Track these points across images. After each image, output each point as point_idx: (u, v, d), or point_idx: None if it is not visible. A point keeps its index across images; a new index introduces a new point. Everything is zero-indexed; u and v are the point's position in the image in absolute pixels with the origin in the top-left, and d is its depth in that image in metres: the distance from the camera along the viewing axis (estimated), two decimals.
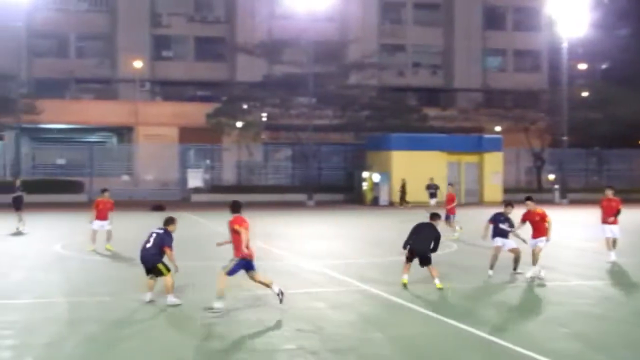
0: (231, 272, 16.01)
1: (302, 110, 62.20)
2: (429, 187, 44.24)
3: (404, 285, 18.47)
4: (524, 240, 20.78)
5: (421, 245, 18.53)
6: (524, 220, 20.94)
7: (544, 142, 70.17)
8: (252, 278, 16.32)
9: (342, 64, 68.34)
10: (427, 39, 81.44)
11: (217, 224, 37.64)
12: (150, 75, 72.78)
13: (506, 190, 61.87)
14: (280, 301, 16.04)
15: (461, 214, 48.50)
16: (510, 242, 20.69)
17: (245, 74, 71.68)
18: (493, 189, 59.89)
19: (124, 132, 71.23)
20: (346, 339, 13.68)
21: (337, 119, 64.98)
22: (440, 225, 19.37)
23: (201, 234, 33.89)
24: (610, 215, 23.86)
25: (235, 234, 16.12)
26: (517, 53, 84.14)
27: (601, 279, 21.04)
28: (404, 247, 18.70)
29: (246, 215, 16.55)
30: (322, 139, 65.22)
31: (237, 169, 66.29)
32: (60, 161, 65.69)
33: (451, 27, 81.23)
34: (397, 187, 55.62)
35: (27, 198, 52.30)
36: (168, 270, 16.55)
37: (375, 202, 56.83)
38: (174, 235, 17.27)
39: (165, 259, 16.67)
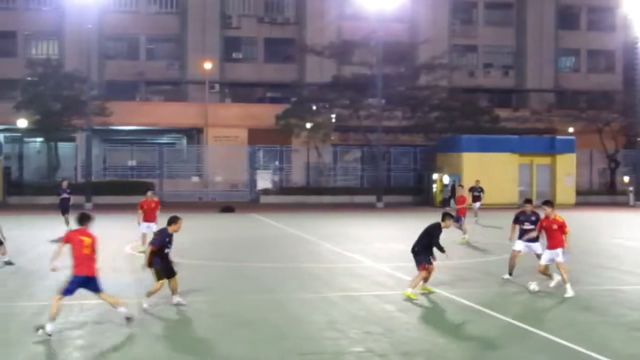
0: (66, 292, 14.13)
1: (372, 111, 61.95)
2: (472, 189, 41.54)
3: (428, 292, 18.06)
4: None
5: (414, 245, 17.99)
6: (539, 228, 18.84)
7: (618, 144, 68.90)
8: (99, 297, 14.95)
9: (412, 65, 67.91)
10: (499, 39, 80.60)
11: (285, 225, 37.64)
12: (220, 77, 73.11)
13: (579, 192, 61.04)
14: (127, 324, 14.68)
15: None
16: (538, 247, 19.51)
17: (314, 75, 71.67)
18: (566, 191, 58.95)
19: (193, 134, 71.68)
20: (416, 342, 13.52)
21: (406, 120, 64.60)
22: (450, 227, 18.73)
23: (270, 235, 33.84)
24: None
25: (83, 248, 14.59)
26: (591, 53, 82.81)
27: None
28: (412, 251, 18.10)
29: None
30: (392, 140, 64.95)
31: (306, 171, 66.25)
32: (131, 163, 66.35)
33: (523, 27, 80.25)
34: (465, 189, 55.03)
35: (98, 200, 53.45)
36: (158, 278, 16.08)
37: (445, 204, 56.31)
38: (181, 235, 17.11)
39: (172, 265, 16.49)
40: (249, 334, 14.06)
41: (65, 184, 35.61)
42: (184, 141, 74.63)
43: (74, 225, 27.32)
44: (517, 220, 19.88)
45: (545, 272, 18.64)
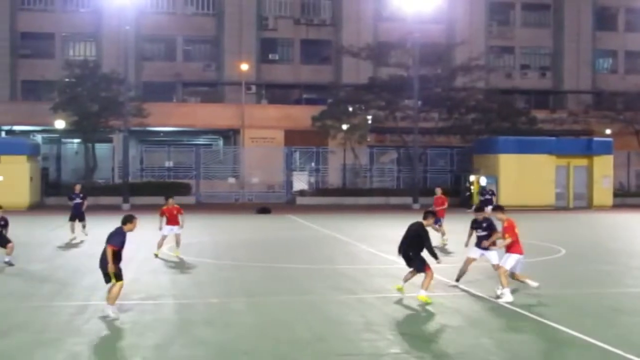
0: None
1: (408, 112, 61.81)
2: (482, 192, 39.31)
3: (398, 289, 17.93)
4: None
5: (401, 248, 17.71)
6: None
7: None
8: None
9: (448, 66, 67.68)
10: (536, 40, 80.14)
11: (321, 226, 37.66)
12: (256, 78, 73.27)
13: (616, 194, 60.55)
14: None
15: (571, 219, 47.61)
16: (493, 256, 18.53)
17: (350, 77, 71.65)
18: (603, 193, 58.48)
19: (230, 135, 71.84)
20: (452, 344, 13.48)
21: (443, 121, 64.34)
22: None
23: (306, 236, 33.87)
24: None
25: None
26: (629, 54, 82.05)
27: None
28: (399, 253, 17.84)
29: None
30: (428, 142, 64.76)
31: (342, 172, 66.18)
32: (168, 163, 66.65)
33: (561, 28, 79.71)
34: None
35: (135, 200, 53.76)
36: (118, 278, 15.46)
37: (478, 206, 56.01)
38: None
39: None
40: (287, 335, 14.08)
41: (78, 188, 33.12)
42: (221, 142, 74.83)
43: (79, 232, 27.60)
44: (472, 227, 19.22)
45: (516, 278, 18.08)
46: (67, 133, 61.80)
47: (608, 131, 67.57)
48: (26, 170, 52.68)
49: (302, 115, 65.32)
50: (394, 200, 60.27)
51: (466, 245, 19.81)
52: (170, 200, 25.58)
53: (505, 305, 16.68)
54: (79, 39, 73.49)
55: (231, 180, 64.61)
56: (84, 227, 31.39)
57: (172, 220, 25.28)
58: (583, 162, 58.51)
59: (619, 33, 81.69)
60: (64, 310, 16.13)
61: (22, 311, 16.06)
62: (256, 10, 73.91)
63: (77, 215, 31.54)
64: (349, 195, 61.11)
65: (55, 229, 34.92)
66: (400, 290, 17.86)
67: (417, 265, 17.44)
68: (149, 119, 58.90)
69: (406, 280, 17.89)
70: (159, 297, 17.96)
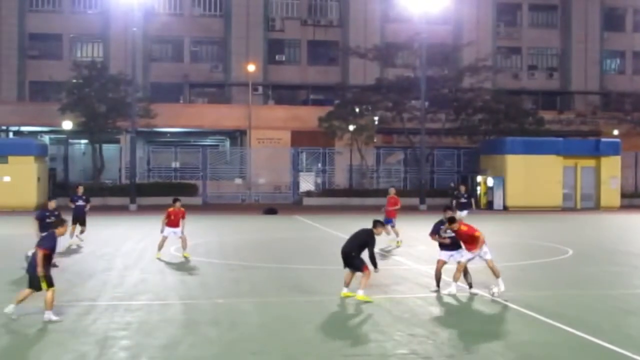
0: None
1: (415, 113, 61.80)
2: (457, 196, 37.25)
3: (345, 296, 17.62)
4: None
5: (345, 247, 17.69)
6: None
7: None
8: None
9: (455, 67, 67.62)
10: (543, 41, 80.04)
11: (328, 227, 37.66)
12: (263, 79, 73.31)
13: (624, 195, 60.44)
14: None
15: (579, 220, 47.55)
16: (462, 254, 18.11)
17: (357, 78, 71.66)
18: (610, 193, 58.38)
19: (236, 136, 71.91)
20: (460, 345, 13.49)
21: (450, 122, 64.31)
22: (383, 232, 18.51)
23: (313, 237, 33.88)
24: None
25: None
26: (637, 55, 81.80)
27: None
28: (346, 255, 17.80)
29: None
30: (435, 142, 64.75)
31: (349, 173, 66.17)
32: (175, 164, 66.74)
33: (568, 28, 79.59)
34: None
35: (142, 201, 53.84)
36: (49, 284, 15.05)
37: (489, 207, 56.00)
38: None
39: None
40: (294, 335, 14.09)
41: (80, 189, 31.26)
42: (227, 143, 74.89)
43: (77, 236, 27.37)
44: (434, 232, 18.94)
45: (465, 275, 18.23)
46: (74, 134, 61.91)
47: (616, 132, 67.47)
48: (34, 171, 52.79)
49: (309, 116, 65.37)
50: (400, 201, 60.10)
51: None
52: (178, 204, 25.41)
53: (513, 306, 16.63)
54: (86, 40, 73.62)
55: (238, 181, 64.66)
56: (82, 232, 29.53)
57: (174, 223, 25.10)
58: (591, 162, 58.40)
59: (626, 33, 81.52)
60: (71, 311, 16.14)
61: (30, 311, 16.07)
62: (263, 11, 73.96)
63: (79, 218, 29.55)
64: (355, 196, 61.08)
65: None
66: (347, 296, 17.55)
67: (356, 264, 17.44)
68: (156, 120, 58.98)
69: (348, 284, 17.75)
70: (166, 297, 17.98)
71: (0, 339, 13.68)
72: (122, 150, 64.72)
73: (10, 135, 67.03)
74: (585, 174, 58.40)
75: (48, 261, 15.24)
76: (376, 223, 17.79)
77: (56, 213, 25.68)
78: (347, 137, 61.69)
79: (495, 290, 17.45)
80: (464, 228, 17.83)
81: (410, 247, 29.06)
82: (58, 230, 15.57)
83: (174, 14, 73.69)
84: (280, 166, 63.63)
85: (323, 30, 75.82)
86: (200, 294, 18.58)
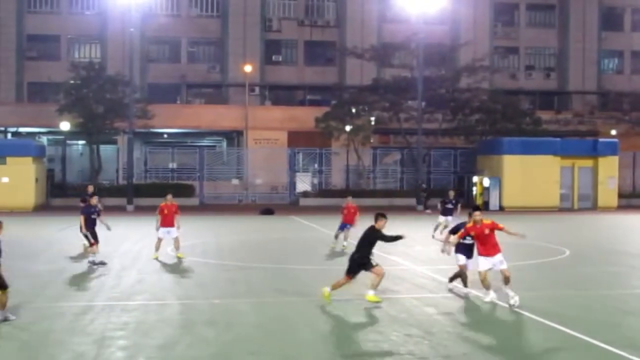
0: None
1: (412, 114, 61.82)
2: (444, 202, 35.42)
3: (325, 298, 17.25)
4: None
5: (357, 253, 17.39)
6: (462, 236, 17.89)
7: None
8: None
9: (452, 67, 67.58)
10: (541, 41, 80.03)
11: (325, 227, 37.68)
12: (260, 80, 73.29)
13: (621, 195, 60.46)
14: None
15: (576, 220, 47.62)
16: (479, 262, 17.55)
17: (354, 78, 71.65)
18: (608, 194, 58.41)
19: (233, 136, 71.91)
20: (456, 345, 13.52)
21: (447, 122, 64.24)
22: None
23: (309, 237, 33.92)
24: None
25: None
26: (635, 54, 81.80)
27: None
28: (358, 262, 17.37)
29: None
30: (432, 142, 64.74)
31: (346, 173, 66.18)
32: (172, 165, 66.75)
33: (566, 28, 79.61)
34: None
35: (139, 202, 53.85)
36: (3, 287, 14.84)
37: (485, 207, 56.00)
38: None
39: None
40: (291, 335, 14.13)
41: (91, 189, 30.34)
42: (224, 144, 74.91)
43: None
44: (455, 231, 18.61)
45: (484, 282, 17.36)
46: (72, 135, 61.89)
47: (613, 132, 67.47)
48: (32, 172, 52.80)
49: (305, 117, 65.37)
50: (397, 201, 60.15)
51: (445, 252, 18.72)
52: (169, 197, 25.58)
53: (501, 303, 16.67)
54: (84, 41, 73.60)
55: (235, 181, 64.65)
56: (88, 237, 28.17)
57: (168, 221, 25.09)
58: (588, 163, 58.40)
59: (625, 33, 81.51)
60: (69, 311, 16.19)
61: (27, 312, 16.11)
62: (260, 11, 73.95)
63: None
64: (352, 197, 60.93)
65: (65, 229, 34.83)
66: (327, 298, 17.20)
67: (367, 266, 17.19)
68: (154, 121, 58.95)
69: (336, 287, 17.33)
70: (163, 297, 18.01)
71: None
72: (119, 151, 64.71)
73: (9, 136, 67.02)
74: (582, 174, 58.42)
75: None
76: (377, 216, 17.58)
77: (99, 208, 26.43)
78: (344, 137, 61.68)
79: (512, 301, 16.62)
80: (488, 222, 17.22)
81: (408, 248, 29.04)
82: None
83: (171, 14, 73.65)
84: (277, 167, 63.65)
85: (320, 31, 75.82)
86: (197, 294, 18.62)
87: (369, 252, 17.39)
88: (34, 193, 52.81)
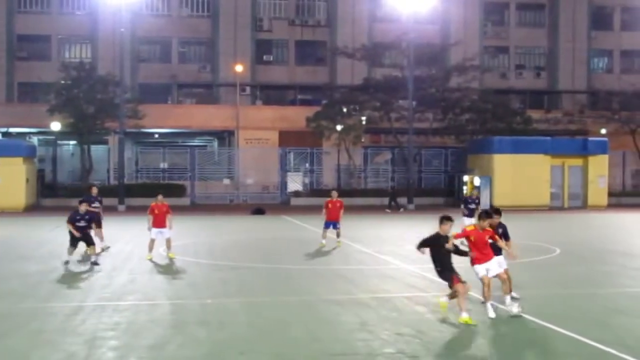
0: None
1: (403, 113, 61.88)
2: (467, 201, 32.72)
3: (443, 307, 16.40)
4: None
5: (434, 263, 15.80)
6: (460, 236, 16.42)
7: None
8: None
9: (443, 67, 67.63)
10: (531, 40, 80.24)
11: (316, 227, 37.69)
12: (251, 80, 73.30)
13: (611, 194, 60.63)
14: None
15: (566, 219, 47.74)
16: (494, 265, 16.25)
17: (345, 77, 71.72)
18: (598, 192, 58.57)
19: (224, 136, 71.91)
20: (447, 344, 13.59)
21: (437, 122, 64.32)
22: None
23: (300, 237, 33.95)
24: None
25: None
26: (625, 53, 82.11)
27: None
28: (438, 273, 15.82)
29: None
30: (423, 142, 64.83)
31: (337, 173, 66.23)
32: (163, 165, 66.73)
33: (556, 28, 79.81)
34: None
35: (131, 202, 53.78)
36: None
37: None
38: None
39: None
40: (282, 335, 14.15)
41: (95, 190, 29.43)
42: (215, 143, 74.91)
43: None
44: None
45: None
46: (63, 135, 61.81)
47: (603, 131, 67.63)
48: (22, 172, 52.73)
49: (296, 116, 65.43)
50: (388, 200, 60.21)
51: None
52: (160, 197, 25.58)
53: (500, 306, 16.62)
54: (75, 41, 73.55)
55: (226, 181, 64.65)
56: (100, 234, 27.45)
57: (160, 221, 25.07)
58: (578, 162, 58.54)
59: (614, 32, 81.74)
60: (60, 311, 16.18)
61: (18, 312, 16.12)
62: (251, 11, 73.97)
63: (96, 221, 27.02)
64: (343, 196, 59.85)
65: (54, 229, 34.84)
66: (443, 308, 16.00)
67: (445, 278, 15.63)
68: (145, 121, 58.88)
69: (460, 307, 15.39)
70: (154, 297, 18.01)
71: None
72: (110, 151, 64.64)
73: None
74: (572, 173, 58.56)
75: None
76: (442, 220, 15.66)
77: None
78: (335, 137, 61.72)
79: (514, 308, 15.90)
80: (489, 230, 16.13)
81: (398, 247, 29.13)
82: None
83: (162, 14, 73.62)
84: (268, 166, 63.68)
85: (311, 30, 75.88)
86: (188, 294, 18.62)
87: (442, 262, 15.54)
88: (25, 193, 52.74)
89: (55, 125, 58.50)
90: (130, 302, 17.39)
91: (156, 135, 70.00)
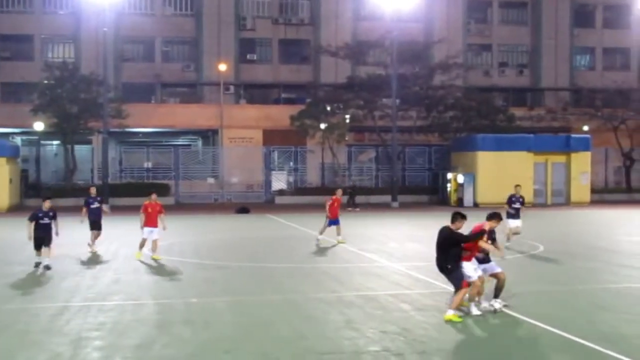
0: None
1: (386, 111, 61.97)
2: (511, 200, 30.14)
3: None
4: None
5: (437, 259, 15.67)
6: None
7: (633, 142, 68.58)
8: None
9: (427, 65, 67.73)
10: (514, 38, 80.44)
11: (301, 225, 37.77)
12: (235, 79, 73.20)
13: (594, 191, 60.91)
14: None
15: (549, 216, 47.93)
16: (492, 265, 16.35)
17: (329, 76, 71.73)
18: (581, 189, 58.83)
19: (209, 135, 71.82)
20: (432, 341, 13.60)
21: (421, 120, 64.46)
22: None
23: (285, 235, 33.97)
24: None
25: None
26: (607, 51, 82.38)
27: None
28: (442, 271, 15.68)
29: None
30: (407, 140, 64.97)
31: (321, 171, 66.27)
32: (147, 164, 66.60)
33: (538, 25, 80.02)
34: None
35: (115, 202, 53.66)
36: None
37: (460, 204, 56.21)
38: None
39: None
40: (268, 333, 14.17)
41: (93, 190, 28.54)
42: (200, 143, 74.83)
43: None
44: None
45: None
46: (46, 135, 61.63)
47: (586, 128, 67.93)
48: (5, 172, 52.52)
49: (280, 115, 65.40)
50: (373, 198, 60.31)
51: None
52: (153, 196, 25.76)
53: (484, 303, 16.71)
54: (58, 41, 73.23)
55: (210, 180, 64.59)
56: (96, 237, 27.39)
57: (152, 220, 25.11)
58: (561, 158, 58.81)
59: (596, 30, 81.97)
60: (45, 312, 16.17)
61: (3, 313, 16.10)
62: (234, 10, 73.84)
63: (97, 223, 27.21)
64: (328, 194, 60.82)
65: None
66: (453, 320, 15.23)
67: (454, 281, 15.51)
68: (128, 120, 58.73)
69: (480, 294, 15.86)
70: (139, 297, 18.00)
71: None
72: (94, 151, 64.48)
73: None
74: (555, 170, 58.81)
75: None
76: (455, 216, 15.62)
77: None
78: (319, 135, 61.71)
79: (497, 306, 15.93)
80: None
81: (383, 245, 29.21)
82: None
83: (145, 13, 73.39)
84: (252, 165, 63.68)
85: (294, 29, 75.84)
86: (173, 293, 18.62)
87: (447, 257, 15.41)
88: (8, 194, 52.56)
89: (39, 125, 58.32)
90: (115, 302, 17.39)
91: (140, 135, 69.83)
